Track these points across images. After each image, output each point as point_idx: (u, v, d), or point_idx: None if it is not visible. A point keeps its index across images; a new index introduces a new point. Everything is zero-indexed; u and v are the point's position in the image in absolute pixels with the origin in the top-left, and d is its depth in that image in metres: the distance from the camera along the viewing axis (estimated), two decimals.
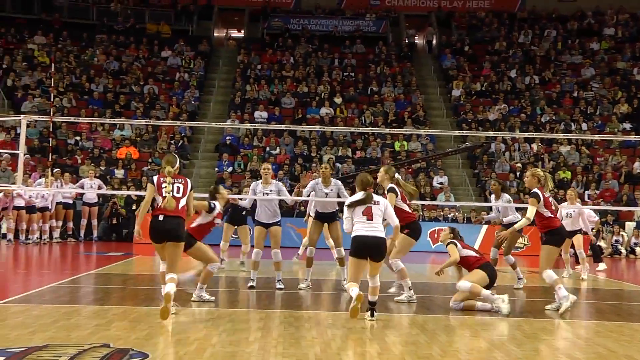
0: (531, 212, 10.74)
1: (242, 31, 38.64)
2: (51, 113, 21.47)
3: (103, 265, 16.03)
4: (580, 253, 16.29)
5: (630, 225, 24.83)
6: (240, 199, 14.66)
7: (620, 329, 9.81)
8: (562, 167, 27.37)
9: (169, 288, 9.23)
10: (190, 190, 9.68)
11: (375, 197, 9.87)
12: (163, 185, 9.49)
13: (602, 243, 23.18)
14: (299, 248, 18.64)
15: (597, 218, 18.75)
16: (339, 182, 12.96)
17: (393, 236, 10.32)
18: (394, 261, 11.17)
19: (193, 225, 10.81)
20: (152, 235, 9.50)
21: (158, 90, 30.76)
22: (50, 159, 19.43)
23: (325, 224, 12.93)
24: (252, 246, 12.63)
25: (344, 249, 12.04)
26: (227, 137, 28.47)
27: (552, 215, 10.90)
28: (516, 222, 12.75)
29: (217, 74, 33.68)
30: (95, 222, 23.13)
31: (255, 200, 12.77)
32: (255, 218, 12.64)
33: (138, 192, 23.14)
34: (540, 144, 28.57)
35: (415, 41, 38.00)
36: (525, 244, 23.16)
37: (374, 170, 25.47)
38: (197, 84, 31.62)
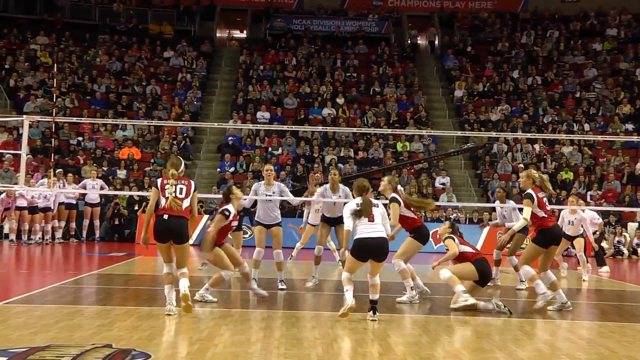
0: (527, 212, 10.86)
1: (245, 32, 38.65)
2: (53, 113, 21.48)
3: (105, 266, 16.03)
4: (581, 256, 16.29)
5: (632, 226, 24.80)
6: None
7: (622, 329, 9.80)
8: (565, 167, 27.35)
9: (184, 285, 9.54)
10: (194, 191, 9.80)
11: (374, 200, 10.05)
12: (166, 187, 9.66)
13: (604, 244, 23.15)
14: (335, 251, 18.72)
15: (601, 220, 18.72)
16: (347, 189, 12.97)
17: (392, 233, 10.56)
18: (397, 261, 11.19)
19: (209, 231, 11.00)
20: (156, 234, 9.66)
21: (160, 91, 30.78)
22: (52, 160, 19.46)
23: (333, 227, 13.07)
24: (250, 246, 12.65)
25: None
26: (230, 138, 28.47)
27: (546, 215, 10.96)
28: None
29: (219, 75, 33.69)
30: (97, 222, 23.14)
31: (254, 201, 12.78)
32: (256, 219, 12.69)
33: (140, 193, 23.19)
34: (542, 145, 28.55)
35: (418, 42, 37.99)
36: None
37: (376, 170, 25.62)
38: (199, 85, 31.63)
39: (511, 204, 14.30)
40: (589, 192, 26.00)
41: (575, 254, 16.91)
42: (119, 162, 26.45)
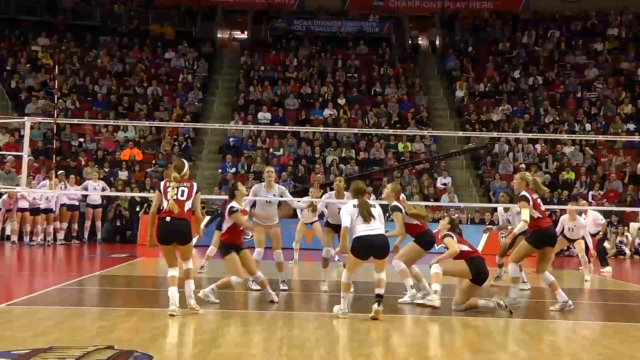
0: (525, 214, 10.91)
1: (246, 32, 38.61)
2: (55, 115, 21.48)
3: (107, 267, 16.04)
4: (583, 256, 16.29)
5: (634, 225, 24.78)
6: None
7: (625, 329, 9.79)
8: (566, 167, 27.34)
9: (189, 287, 9.82)
10: (196, 193, 9.92)
11: (370, 201, 10.18)
12: (168, 189, 9.81)
13: (606, 244, 23.10)
14: (312, 250, 18.76)
15: (604, 221, 18.72)
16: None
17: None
18: (397, 262, 11.19)
19: (223, 233, 11.07)
20: (159, 237, 9.79)
21: (162, 92, 30.77)
22: (54, 161, 19.46)
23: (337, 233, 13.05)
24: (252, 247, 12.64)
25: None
26: (231, 139, 28.48)
27: (541, 216, 11.03)
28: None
29: (220, 76, 33.69)
30: (99, 223, 23.15)
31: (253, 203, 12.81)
32: (254, 220, 12.70)
33: (142, 194, 23.20)
34: (544, 145, 28.53)
35: (419, 42, 37.91)
36: None
37: (378, 171, 25.63)
38: (200, 86, 31.63)
39: (515, 207, 14.28)
40: (590, 192, 25.98)
41: (577, 254, 16.89)
42: (121, 163, 26.46)
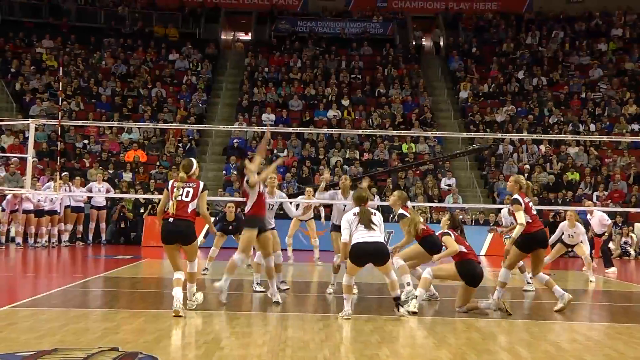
0: (520, 217, 11.02)
1: (250, 34, 38.66)
2: (59, 117, 21.52)
3: (111, 269, 16.05)
4: (586, 258, 16.28)
5: (639, 226, 24.74)
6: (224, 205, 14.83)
7: (630, 330, 9.78)
8: (571, 168, 27.31)
9: (190, 291, 10.05)
10: (202, 192, 10.01)
11: (371, 210, 10.24)
12: (174, 190, 9.93)
13: (611, 245, 23.08)
14: (311, 250, 18.78)
15: (610, 222, 18.70)
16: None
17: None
18: (396, 259, 11.20)
19: (248, 209, 11.05)
20: (162, 237, 9.95)
21: (166, 93, 30.81)
22: (58, 163, 19.47)
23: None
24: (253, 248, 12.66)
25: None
26: (235, 140, 28.49)
27: (531, 220, 11.13)
28: None
29: (224, 77, 33.72)
30: (103, 225, 23.17)
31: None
32: None
33: (146, 196, 23.21)
34: (548, 146, 28.51)
35: (423, 43, 37.98)
36: None
37: (382, 172, 25.62)
38: (204, 87, 31.66)
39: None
40: (595, 193, 25.95)
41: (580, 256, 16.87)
42: (125, 164, 26.49)
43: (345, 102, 30.41)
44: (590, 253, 17.23)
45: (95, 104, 29.82)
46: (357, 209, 10.19)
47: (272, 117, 29.31)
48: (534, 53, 33.85)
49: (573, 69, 33.03)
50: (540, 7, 37.01)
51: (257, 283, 12.48)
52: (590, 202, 22.01)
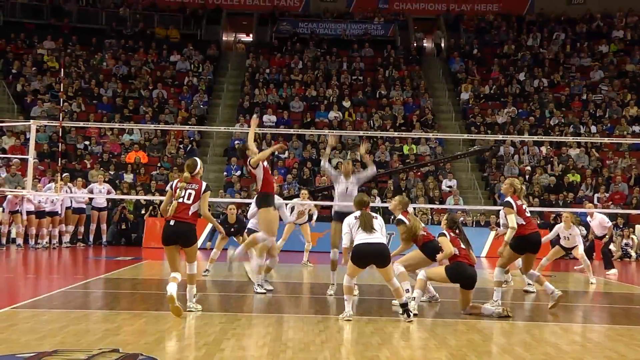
0: (512, 220, 11.20)
1: (251, 35, 38.69)
2: (60, 118, 21.55)
3: (112, 270, 16.05)
4: (585, 260, 16.26)
5: None
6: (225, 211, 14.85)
7: (631, 332, 9.77)
8: (572, 170, 27.30)
9: (190, 292, 10.04)
10: (204, 192, 10.08)
11: (372, 214, 10.27)
12: (177, 190, 10.03)
13: (612, 246, 23.07)
14: (311, 252, 18.75)
15: (611, 224, 18.69)
16: (359, 174, 12.99)
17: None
18: (397, 265, 11.20)
19: (259, 189, 11.25)
20: (162, 238, 10.03)
21: (167, 95, 30.82)
22: (59, 164, 19.49)
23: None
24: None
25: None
26: (236, 141, 28.44)
27: (525, 223, 11.29)
28: None
29: (225, 78, 33.73)
30: (104, 226, 23.18)
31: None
32: (252, 227, 12.94)
33: (147, 197, 23.21)
34: (549, 147, 28.51)
35: (424, 44, 37.98)
36: None
37: (383, 174, 25.61)
38: (205, 88, 31.67)
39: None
40: (596, 195, 25.95)
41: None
42: (126, 166, 26.50)
43: (347, 104, 30.42)
44: (590, 255, 17.22)
45: (97, 105, 29.84)
46: (358, 213, 10.22)
47: (273, 118, 29.33)
48: (535, 55, 33.85)
49: (574, 70, 33.03)
50: (541, 9, 37.02)
51: (258, 285, 12.49)
52: (590, 204, 21.97)
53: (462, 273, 10.60)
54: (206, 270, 15.01)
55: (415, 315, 10.24)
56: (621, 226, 24.44)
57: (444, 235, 10.81)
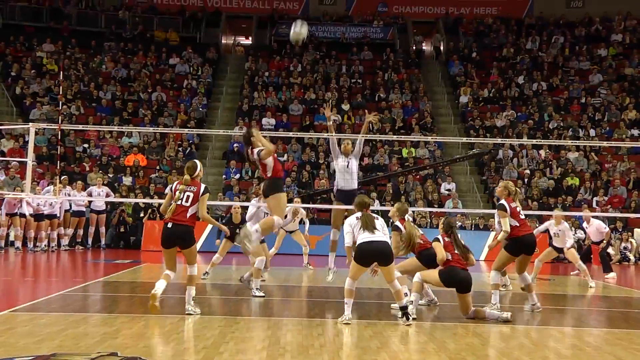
0: (505, 224, 11.27)
1: (250, 38, 38.71)
2: (59, 121, 21.53)
3: (111, 273, 16.04)
4: (580, 265, 16.26)
5: (639, 231, 24.73)
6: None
7: (630, 336, 9.77)
8: (570, 173, 27.31)
9: (189, 293, 10.16)
10: (202, 195, 10.19)
11: (373, 215, 10.29)
12: (176, 192, 10.15)
13: (610, 250, 23.08)
14: (309, 255, 18.74)
15: (608, 229, 18.69)
16: (356, 151, 13.07)
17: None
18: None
19: (269, 174, 11.01)
20: (161, 241, 10.18)
21: (166, 98, 30.82)
22: (58, 167, 19.47)
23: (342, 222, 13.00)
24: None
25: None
26: (235, 144, 28.47)
27: (519, 225, 11.33)
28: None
29: (224, 81, 33.73)
30: (103, 229, 23.16)
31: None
32: None
33: (146, 200, 23.20)
34: (548, 151, 28.52)
35: (423, 48, 37.97)
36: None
37: (381, 177, 25.62)
38: (205, 91, 31.67)
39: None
40: (594, 198, 25.97)
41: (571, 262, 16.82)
42: (125, 169, 26.50)
43: (346, 107, 30.42)
44: (588, 260, 17.20)
45: (96, 108, 29.83)
46: (359, 214, 10.24)
47: (272, 121, 29.33)
48: (534, 58, 33.87)
49: (573, 74, 33.05)
50: (540, 12, 37.04)
51: (257, 288, 12.50)
52: (587, 208, 21.94)
53: (454, 277, 10.60)
54: (205, 272, 14.99)
55: (414, 319, 10.23)
56: (620, 230, 24.45)
57: (438, 240, 10.83)
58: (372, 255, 9.96)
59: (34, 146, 17.85)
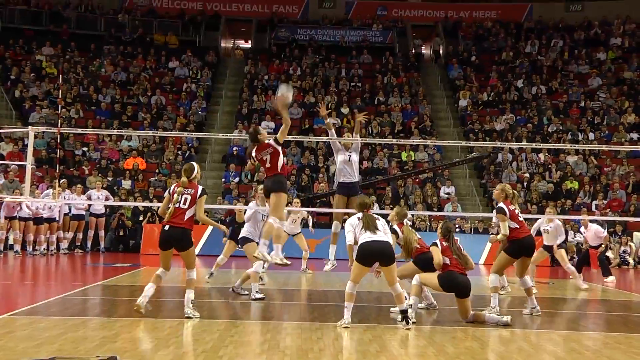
0: (505, 227, 11.33)
1: (249, 42, 38.72)
2: (59, 124, 21.56)
3: (110, 277, 16.03)
4: (568, 267, 16.26)
5: (638, 235, 24.74)
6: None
7: (629, 340, 9.77)
8: (570, 177, 27.32)
9: (188, 297, 10.15)
10: (200, 197, 10.29)
11: (375, 215, 10.29)
12: (174, 195, 10.25)
13: (609, 254, 23.08)
14: (308, 258, 18.75)
15: (606, 233, 18.69)
16: (357, 145, 13.13)
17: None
18: None
19: (279, 170, 11.27)
20: (158, 242, 10.34)
21: (165, 101, 30.83)
22: (57, 170, 19.48)
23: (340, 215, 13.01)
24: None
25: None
26: (234, 148, 28.49)
27: (518, 227, 11.38)
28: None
29: (224, 85, 33.75)
30: (102, 233, 23.16)
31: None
32: (247, 235, 13.13)
33: (145, 203, 23.19)
34: (547, 154, 28.53)
35: (422, 51, 38.03)
36: None
37: (381, 180, 25.62)
38: (204, 95, 31.68)
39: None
40: (594, 202, 25.98)
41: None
42: (124, 172, 26.49)
43: (345, 110, 30.42)
44: (587, 264, 17.16)
45: (95, 112, 29.84)
46: (360, 214, 10.23)
47: (272, 124, 29.30)
48: (533, 62, 33.89)
49: (572, 77, 33.07)
50: (539, 16, 37.07)
51: (256, 291, 12.50)
52: (585, 213, 21.95)
53: (452, 281, 10.61)
54: (210, 274, 14.89)
55: (413, 322, 10.23)
56: (619, 233, 24.45)
57: (436, 245, 10.84)
58: (373, 255, 9.95)
59: (33, 149, 17.88)
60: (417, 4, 38.55)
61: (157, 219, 22.67)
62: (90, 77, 31.72)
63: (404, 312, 9.97)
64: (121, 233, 23.92)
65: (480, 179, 28.41)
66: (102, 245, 23.11)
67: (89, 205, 22.52)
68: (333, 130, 13.46)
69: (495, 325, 10.47)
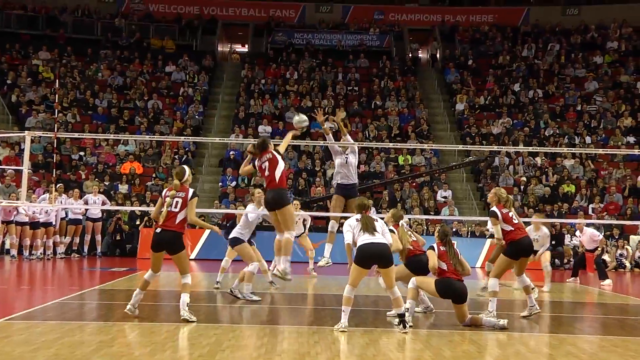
0: (497, 231, 11.40)
1: (246, 46, 38.76)
2: (55, 128, 21.46)
3: (107, 281, 16.01)
4: (546, 267, 16.27)
5: (634, 238, 24.74)
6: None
7: (626, 343, 9.77)
8: (566, 180, 27.34)
9: (183, 300, 10.22)
10: (191, 199, 10.39)
11: (373, 217, 10.33)
12: (166, 199, 10.34)
13: (606, 257, 23.11)
14: (306, 262, 18.73)
15: (601, 237, 18.70)
16: (353, 147, 13.20)
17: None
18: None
19: (279, 181, 11.57)
20: (151, 245, 10.53)
21: (162, 105, 30.81)
22: (54, 175, 19.45)
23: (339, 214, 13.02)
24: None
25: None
26: (231, 152, 28.48)
27: (514, 228, 11.40)
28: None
29: (221, 89, 33.74)
30: (99, 237, 23.12)
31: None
32: (237, 236, 13.16)
33: (142, 208, 23.17)
34: (544, 158, 28.54)
35: (419, 55, 38.06)
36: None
37: (378, 184, 25.62)
38: (201, 99, 31.68)
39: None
40: (590, 205, 26.00)
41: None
42: (121, 176, 26.47)
43: (342, 114, 30.37)
44: (583, 268, 17.15)
45: (92, 116, 29.81)
46: (358, 216, 10.23)
47: (269, 129, 29.33)
48: (529, 65, 33.94)
49: (569, 81, 33.11)
50: (536, 20, 37.15)
51: (252, 293, 12.51)
52: (581, 217, 21.95)
53: (449, 288, 10.61)
54: (217, 282, 14.68)
55: (410, 326, 10.22)
56: (616, 237, 24.47)
57: (432, 249, 10.83)
58: (371, 256, 9.95)
59: (30, 154, 17.79)
60: (414, 8, 38.62)
61: (154, 223, 22.64)
62: (87, 82, 31.70)
63: (401, 316, 9.97)
64: (118, 237, 23.89)
65: (477, 182, 28.41)
66: (98, 250, 23.08)
67: (86, 210, 22.50)
68: (330, 135, 13.49)
69: (492, 328, 10.47)
